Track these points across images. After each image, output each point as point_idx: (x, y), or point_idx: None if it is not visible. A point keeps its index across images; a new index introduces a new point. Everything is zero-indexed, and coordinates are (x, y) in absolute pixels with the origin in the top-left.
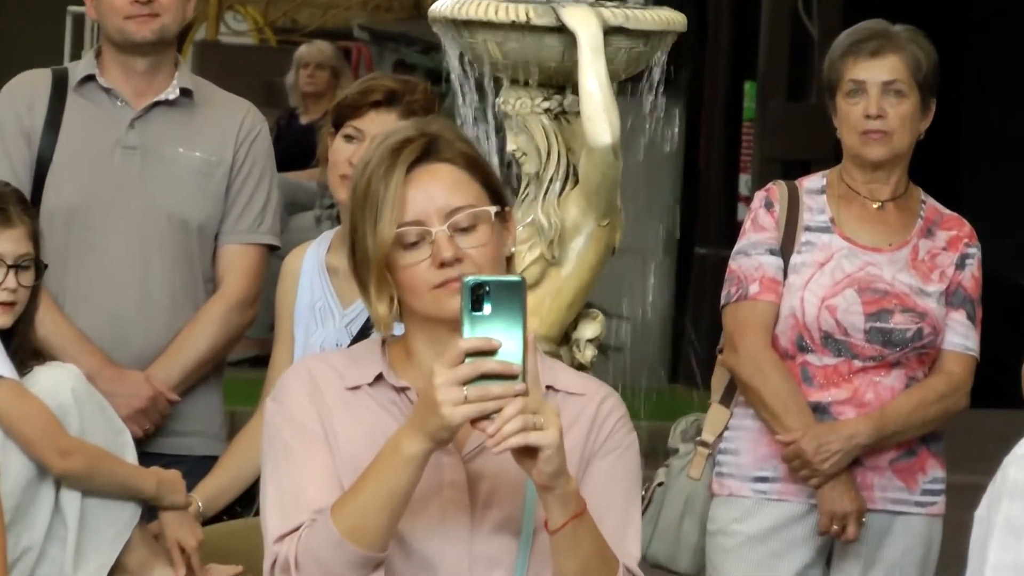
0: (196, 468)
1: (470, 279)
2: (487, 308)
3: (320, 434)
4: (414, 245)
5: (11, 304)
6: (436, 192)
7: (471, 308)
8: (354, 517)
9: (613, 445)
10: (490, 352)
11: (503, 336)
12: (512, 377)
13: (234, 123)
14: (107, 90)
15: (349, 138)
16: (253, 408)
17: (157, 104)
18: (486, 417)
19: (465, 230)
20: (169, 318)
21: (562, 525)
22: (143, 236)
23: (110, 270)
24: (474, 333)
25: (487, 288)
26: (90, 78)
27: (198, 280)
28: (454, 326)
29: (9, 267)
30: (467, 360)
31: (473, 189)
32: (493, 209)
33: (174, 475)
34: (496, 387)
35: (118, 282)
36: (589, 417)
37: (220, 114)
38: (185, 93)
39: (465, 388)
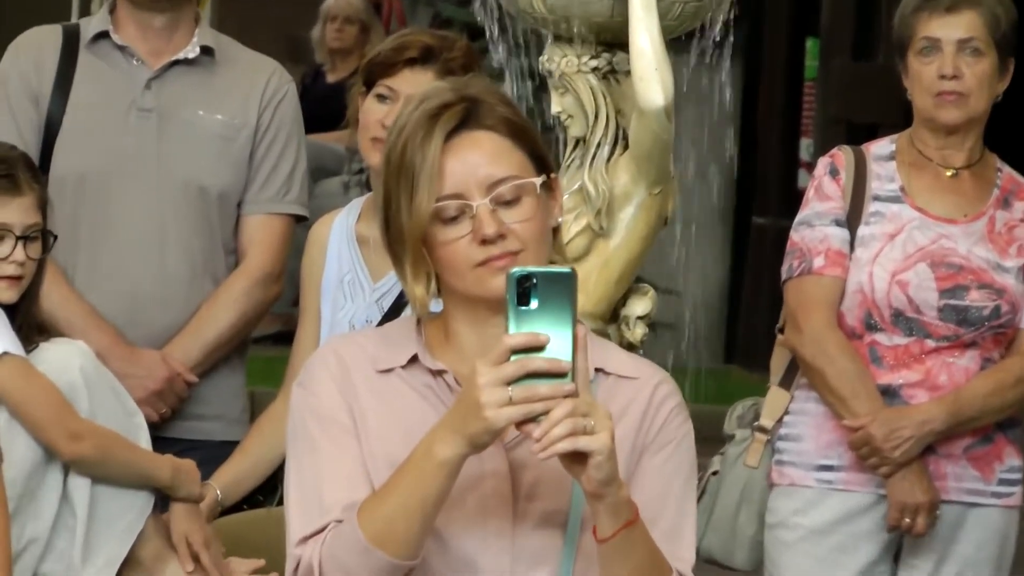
0: (215, 454)
1: (516, 271)
2: (534, 302)
3: (348, 426)
4: (454, 220)
5: (18, 278)
6: (477, 162)
7: (517, 302)
8: (382, 523)
9: (667, 437)
10: (537, 348)
11: (551, 332)
12: (561, 376)
13: (259, 84)
14: (122, 48)
15: (382, 98)
16: (275, 388)
17: (175, 63)
18: (532, 420)
19: (509, 203)
20: (187, 293)
21: (612, 535)
22: (159, 205)
23: (123, 242)
24: (520, 329)
25: (534, 280)
26: (103, 35)
27: (219, 252)
28: (497, 306)
29: (17, 238)
30: (512, 358)
31: (516, 158)
32: (539, 180)
33: (189, 464)
34: (544, 387)
35: (132, 255)
36: (642, 404)
37: (244, 74)
38: (206, 51)
39: (510, 388)
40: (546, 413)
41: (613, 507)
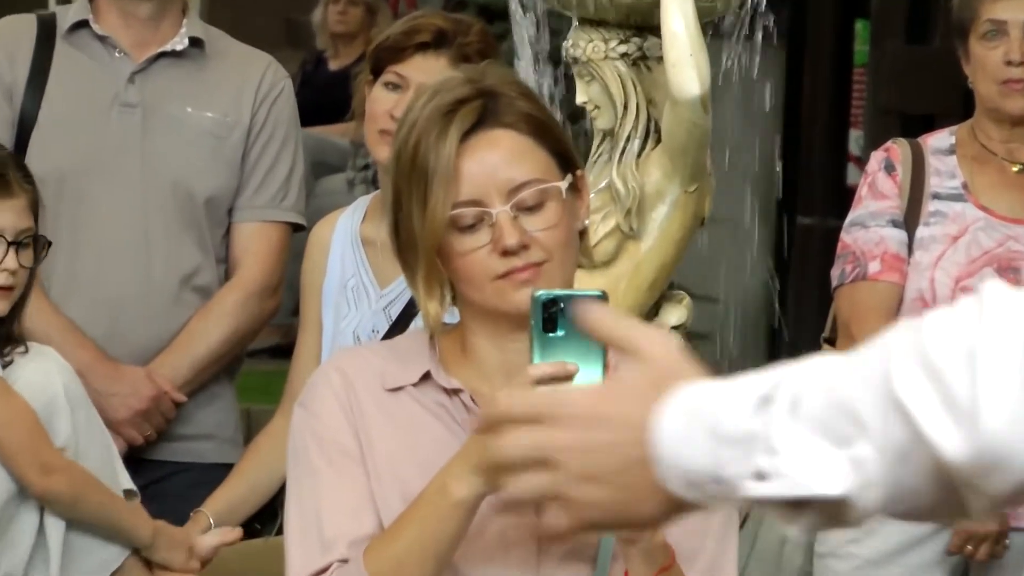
0: (207, 477)
1: (541, 294)
2: (561, 329)
3: (353, 451)
4: (471, 228)
5: (9, 288)
6: (496, 164)
7: (542, 328)
8: (392, 565)
9: None
10: (565, 379)
11: (580, 360)
12: None
13: (252, 79)
14: (102, 38)
15: (390, 86)
16: (273, 406)
17: (162, 55)
18: None
19: (531, 209)
20: (173, 306)
21: None
22: (143, 209)
23: (104, 248)
24: (545, 358)
25: (561, 305)
26: (83, 24)
27: (209, 262)
28: (519, 321)
29: (9, 244)
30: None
31: (539, 158)
32: (564, 183)
33: (178, 533)
34: None
35: (113, 263)
36: None
37: (236, 68)
38: (195, 43)
39: None
40: None
41: (647, 552)
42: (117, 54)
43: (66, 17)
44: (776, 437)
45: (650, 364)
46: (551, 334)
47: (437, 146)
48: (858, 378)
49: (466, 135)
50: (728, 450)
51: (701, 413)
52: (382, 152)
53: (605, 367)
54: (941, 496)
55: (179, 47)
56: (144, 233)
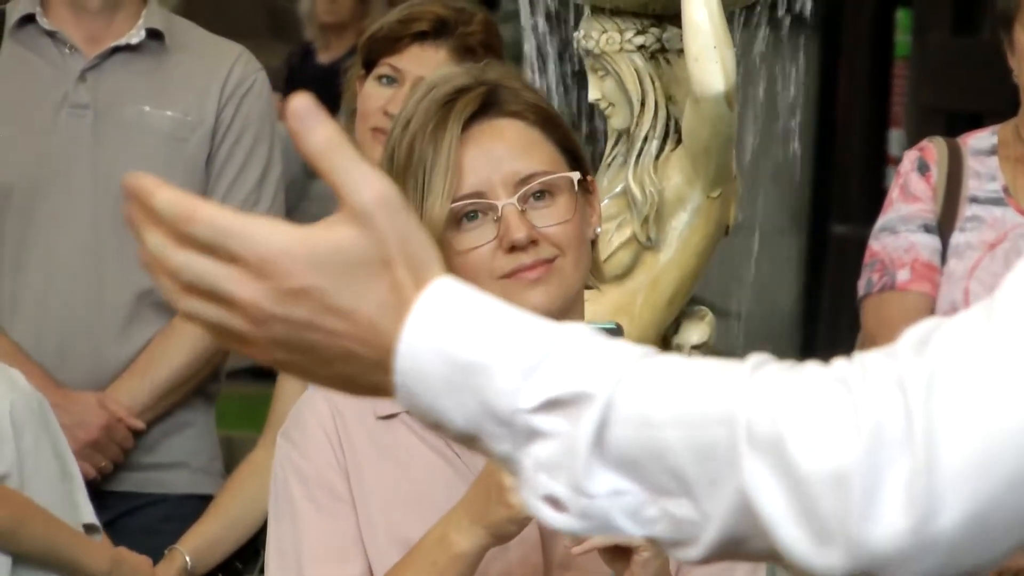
0: (179, 510)
1: None
2: None
3: (341, 489)
4: (474, 224)
5: None
6: (500, 155)
7: None
8: None
9: None
10: None
11: None
12: None
13: (219, 73)
14: (51, 34)
15: (386, 80)
16: (256, 433)
17: (116, 50)
18: None
19: (540, 203)
20: (130, 326)
21: None
22: (96, 220)
23: (53, 265)
24: None
25: None
26: (30, 19)
27: None
28: None
29: None
30: None
31: (547, 151)
32: (575, 175)
33: (139, 561)
34: None
35: (64, 279)
36: None
37: (200, 62)
38: (154, 36)
39: None
40: None
41: None
42: (67, 50)
43: (13, 12)
44: (578, 467)
45: (373, 231)
46: None
47: (435, 137)
48: (686, 440)
49: (467, 125)
50: (499, 428)
51: (466, 366)
52: (375, 152)
53: None
54: (766, 560)
55: (135, 40)
56: (95, 246)
